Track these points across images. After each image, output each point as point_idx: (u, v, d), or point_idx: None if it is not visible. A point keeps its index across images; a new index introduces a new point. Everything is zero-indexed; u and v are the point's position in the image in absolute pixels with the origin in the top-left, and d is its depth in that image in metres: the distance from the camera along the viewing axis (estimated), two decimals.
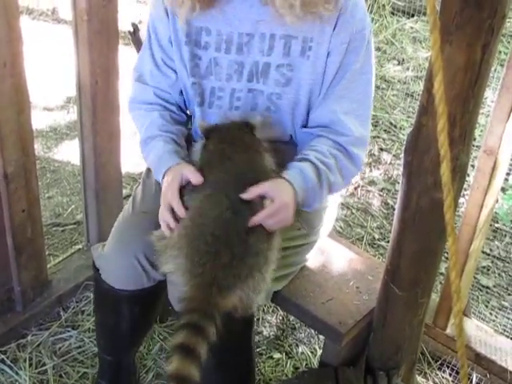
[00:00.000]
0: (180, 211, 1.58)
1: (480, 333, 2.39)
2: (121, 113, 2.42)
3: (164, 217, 1.61)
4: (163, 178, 1.69)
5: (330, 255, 2.10)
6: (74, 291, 2.51)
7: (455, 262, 1.24)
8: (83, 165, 2.51)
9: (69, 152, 3.49)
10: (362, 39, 1.69)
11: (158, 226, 1.71)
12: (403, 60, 4.68)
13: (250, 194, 1.54)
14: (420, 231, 1.67)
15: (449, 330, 2.38)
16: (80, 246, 2.71)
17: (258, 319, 2.55)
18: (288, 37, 1.68)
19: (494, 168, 2.07)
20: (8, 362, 2.25)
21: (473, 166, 2.54)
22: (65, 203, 3.14)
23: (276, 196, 1.56)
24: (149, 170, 1.94)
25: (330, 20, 1.65)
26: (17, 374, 2.22)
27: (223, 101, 1.80)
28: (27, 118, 2.07)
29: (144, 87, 1.85)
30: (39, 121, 3.67)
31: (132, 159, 3.19)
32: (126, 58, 2.46)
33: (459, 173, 1.57)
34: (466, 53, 1.37)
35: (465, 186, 1.77)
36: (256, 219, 1.53)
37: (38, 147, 3.49)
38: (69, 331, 2.41)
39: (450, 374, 2.37)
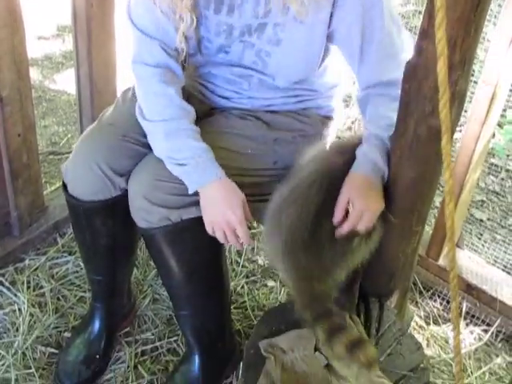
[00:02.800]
0: (247, 240, 1.69)
1: (472, 263, 2.43)
2: (117, 40, 2.39)
3: (230, 238, 1.69)
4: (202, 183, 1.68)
5: None
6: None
7: (451, 186, 1.25)
8: (79, 93, 2.49)
9: (65, 81, 3.47)
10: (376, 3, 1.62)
11: (123, 138, 1.78)
12: None
13: (339, 214, 1.61)
14: (417, 158, 1.66)
15: (441, 261, 2.42)
16: None
17: (253, 248, 2.58)
18: None
19: (492, 99, 2.06)
20: (6, 284, 2.29)
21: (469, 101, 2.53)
22: (61, 132, 3.14)
23: (355, 199, 1.61)
24: (125, 94, 1.92)
25: None
26: (15, 295, 2.26)
27: (210, 50, 1.77)
28: (21, 39, 2.04)
29: (149, 41, 1.70)
30: (34, 50, 3.63)
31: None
32: None
33: (457, 99, 1.56)
34: None
35: (462, 120, 1.76)
36: (343, 230, 1.61)
37: (34, 76, 3.45)
38: (65, 257, 2.44)
39: (441, 304, 2.43)
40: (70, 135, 3.10)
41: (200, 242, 1.78)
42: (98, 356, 2.09)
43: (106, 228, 1.90)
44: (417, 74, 1.55)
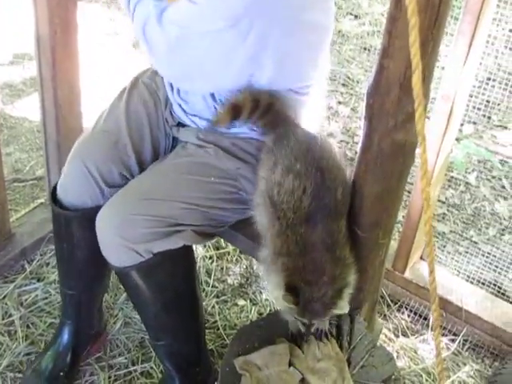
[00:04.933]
0: None
1: (437, 275, 2.47)
2: (80, 63, 2.41)
3: None
4: None
5: None
6: (37, 244, 2.52)
7: (428, 193, 1.30)
8: (44, 118, 2.48)
9: (26, 108, 3.45)
10: None
11: (115, 145, 1.84)
12: (359, 15, 4.71)
13: None
14: (382, 172, 1.70)
15: (407, 274, 2.47)
16: (42, 200, 2.71)
17: (222, 268, 2.60)
18: None
19: (450, 114, 2.13)
20: None
21: (428, 117, 2.61)
22: (24, 159, 3.12)
23: None
24: (120, 96, 1.97)
25: None
26: None
27: None
28: None
29: None
30: None
31: (92, 109, 3.16)
32: (84, 13, 2.44)
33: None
34: None
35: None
36: None
37: None
38: (34, 283, 2.42)
39: (409, 316, 2.48)
40: (33, 162, 3.08)
41: (174, 273, 1.81)
42: (62, 373, 2.07)
43: (84, 241, 1.91)
44: (379, 90, 1.60)
